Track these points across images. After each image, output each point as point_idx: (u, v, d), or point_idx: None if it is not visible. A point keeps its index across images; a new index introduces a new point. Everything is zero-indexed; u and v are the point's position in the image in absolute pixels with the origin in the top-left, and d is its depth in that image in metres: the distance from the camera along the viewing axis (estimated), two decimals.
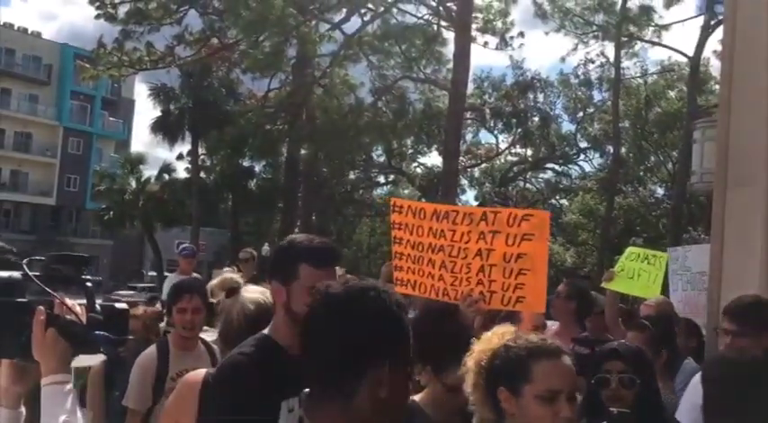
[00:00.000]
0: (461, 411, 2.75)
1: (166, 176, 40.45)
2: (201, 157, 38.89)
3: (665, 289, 5.09)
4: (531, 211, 4.01)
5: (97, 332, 1.64)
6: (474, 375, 2.12)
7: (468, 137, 39.62)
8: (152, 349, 3.63)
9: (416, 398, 2.87)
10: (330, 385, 1.40)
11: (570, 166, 41.46)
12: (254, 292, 2.72)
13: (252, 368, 2.05)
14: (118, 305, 1.73)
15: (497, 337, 2.16)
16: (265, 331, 2.20)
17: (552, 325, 4.85)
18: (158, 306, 6.07)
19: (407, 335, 1.48)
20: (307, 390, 1.46)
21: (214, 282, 3.42)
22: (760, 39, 4.30)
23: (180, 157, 40.34)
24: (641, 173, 38.41)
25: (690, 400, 3.10)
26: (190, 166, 39.33)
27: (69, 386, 1.59)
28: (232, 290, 2.77)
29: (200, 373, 2.20)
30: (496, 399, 2.04)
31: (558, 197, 42.29)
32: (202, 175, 39.26)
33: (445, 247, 3.90)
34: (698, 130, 7.27)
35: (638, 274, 4.74)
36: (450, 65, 25.43)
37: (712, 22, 27.82)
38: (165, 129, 38.58)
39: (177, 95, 38.57)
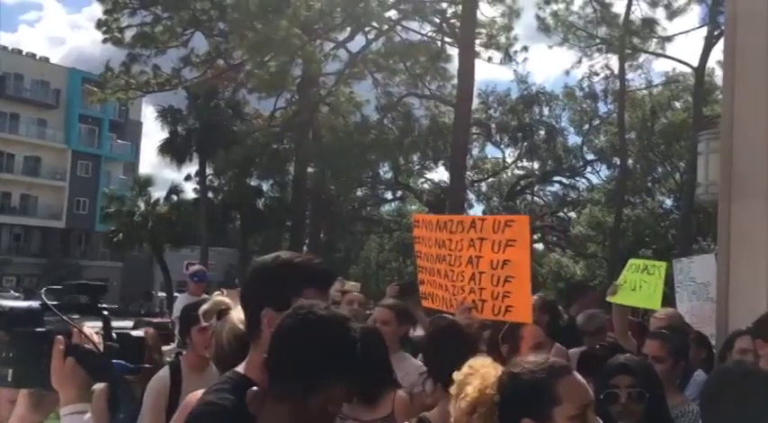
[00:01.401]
0: None
1: (175, 197, 40.67)
2: (209, 177, 39.11)
3: (666, 300, 5.08)
4: (512, 217, 3.95)
5: (114, 361, 1.67)
6: (484, 417, 1.88)
7: (475, 152, 39.68)
8: (165, 371, 3.62)
9: (428, 414, 2.89)
10: (290, 391, 1.61)
11: (577, 178, 41.44)
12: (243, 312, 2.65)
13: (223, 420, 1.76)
14: (134, 333, 1.76)
15: (486, 368, 1.99)
16: (239, 369, 1.90)
17: None
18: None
19: (357, 363, 1.68)
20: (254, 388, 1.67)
21: (205, 306, 3.42)
22: (760, 52, 4.34)
23: (188, 177, 40.63)
24: (649, 184, 38.30)
25: None
26: (198, 186, 39.55)
27: (88, 416, 1.62)
28: (222, 312, 2.70)
29: (198, 393, 2.15)
30: None
31: (566, 210, 42.19)
32: (210, 195, 39.44)
33: (446, 257, 3.94)
34: (702, 142, 7.28)
35: (639, 286, 4.74)
36: (455, 81, 25.52)
37: (716, 32, 27.83)
38: (173, 150, 38.84)
39: (184, 117, 38.88)
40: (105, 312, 1.74)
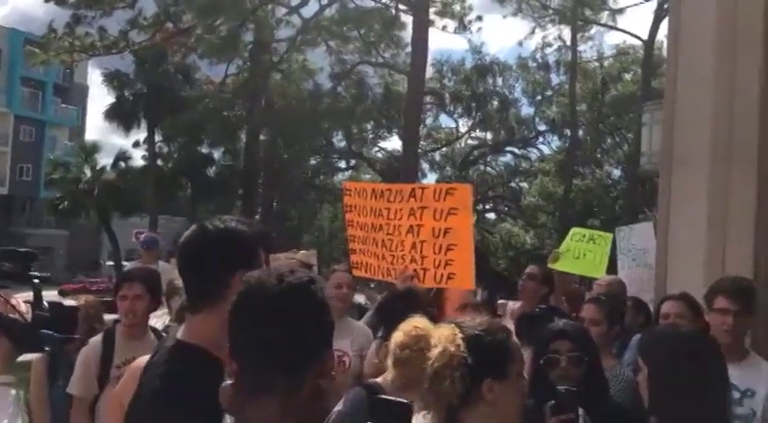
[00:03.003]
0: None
1: (122, 164, 39.68)
2: (158, 144, 38.29)
3: (610, 267, 5.20)
4: (454, 185, 3.98)
5: (43, 331, 1.61)
6: (457, 379, 1.85)
7: (429, 121, 39.77)
8: (98, 337, 3.52)
9: (379, 379, 2.91)
10: (274, 381, 1.35)
11: (529, 149, 41.94)
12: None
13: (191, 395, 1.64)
14: (66, 303, 1.70)
15: (436, 330, 2.00)
16: (180, 335, 1.83)
17: (514, 305, 4.88)
18: None
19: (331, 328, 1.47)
20: (228, 382, 1.40)
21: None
22: (704, 24, 4.40)
23: (136, 144, 39.70)
24: (598, 155, 38.99)
25: None
26: (146, 153, 38.70)
27: (13, 391, 1.56)
28: None
29: (145, 358, 2.09)
30: (475, 395, 1.86)
31: (517, 180, 42.72)
32: (160, 162, 38.65)
33: (384, 226, 3.94)
34: (647, 113, 7.43)
35: (583, 254, 4.83)
36: (409, 49, 25.41)
37: (665, 6, 28.26)
38: (120, 115, 37.88)
39: (132, 81, 37.86)
40: (36, 281, 1.67)
